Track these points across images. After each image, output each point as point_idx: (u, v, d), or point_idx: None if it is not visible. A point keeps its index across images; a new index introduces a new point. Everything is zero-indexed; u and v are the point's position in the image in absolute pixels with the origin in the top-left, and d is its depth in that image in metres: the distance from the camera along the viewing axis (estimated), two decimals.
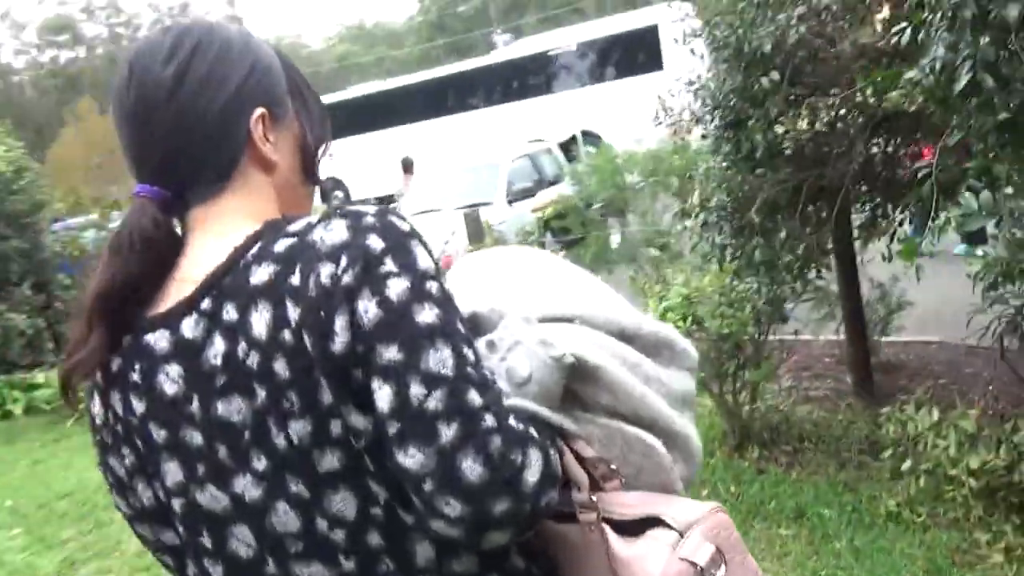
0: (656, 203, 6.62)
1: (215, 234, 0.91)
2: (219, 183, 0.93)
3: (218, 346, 0.85)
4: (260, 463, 0.86)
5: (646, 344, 0.96)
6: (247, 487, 0.87)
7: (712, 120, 3.93)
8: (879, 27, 2.61)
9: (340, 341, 0.81)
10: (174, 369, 0.88)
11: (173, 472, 0.91)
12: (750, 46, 3.46)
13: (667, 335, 0.99)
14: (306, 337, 0.81)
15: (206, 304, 0.87)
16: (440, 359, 0.80)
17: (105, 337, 0.90)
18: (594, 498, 0.89)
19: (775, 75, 3.47)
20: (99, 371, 0.93)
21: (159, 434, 0.90)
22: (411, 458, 0.79)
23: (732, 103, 3.70)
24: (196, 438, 0.88)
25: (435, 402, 0.79)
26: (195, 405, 0.87)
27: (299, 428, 0.83)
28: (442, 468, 0.78)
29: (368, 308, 0.80)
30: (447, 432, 0.78)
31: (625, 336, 0.95)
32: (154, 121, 0.90)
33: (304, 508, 0.86)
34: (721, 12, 3.74)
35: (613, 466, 0.91)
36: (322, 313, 0.81)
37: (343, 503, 0.85)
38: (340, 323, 0.80)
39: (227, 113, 0.91)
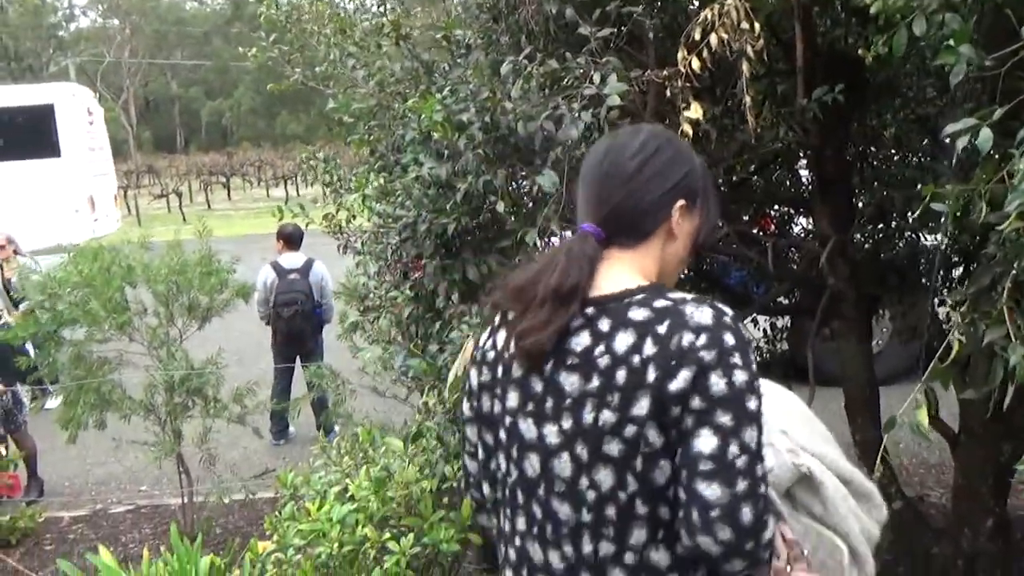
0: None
1: (617, 271, 1.30)
2: (636, 240, 1.32)
3: (583, 340, 1.25)
4: (567, 423, 1.24)
5: (856, 490, 1.35)
6: (553, 435, 1.25)
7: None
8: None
9: (677, 387, 1.17)
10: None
11: (512, 400, 1.31)
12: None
13: (870, 489, 1.37)
14: (650, 369, 1.18)
15: (590, 311, 1.26)
16: (752, 436, 1.18)
17: (558, 326, 1.25)
18: (788, 568, 1.26)
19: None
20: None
21: (526, 378, 1.30)
22: (712, 491, 1.16)
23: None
24: (544, 388, 1.27)
25: (741, 462, 1.16)
26: (550, 368, 1.27)
27: (607, 416, 1.20)
28: (730, 506, 1.15)
29: (718, 383, 1.17)
30: (741, 484, 1.16)
31: (843, 479, 1.34)
32: (612, 190, 1.32)
33: (577, 468, 1.23)
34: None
35: (805, 551, 1.28)
36: (672, 362, 1.18)
37: (608, 479, 1.22)
38: (685, 375, 1.17)
39: (663, 200, 1.32)
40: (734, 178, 3.67)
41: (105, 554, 2.87)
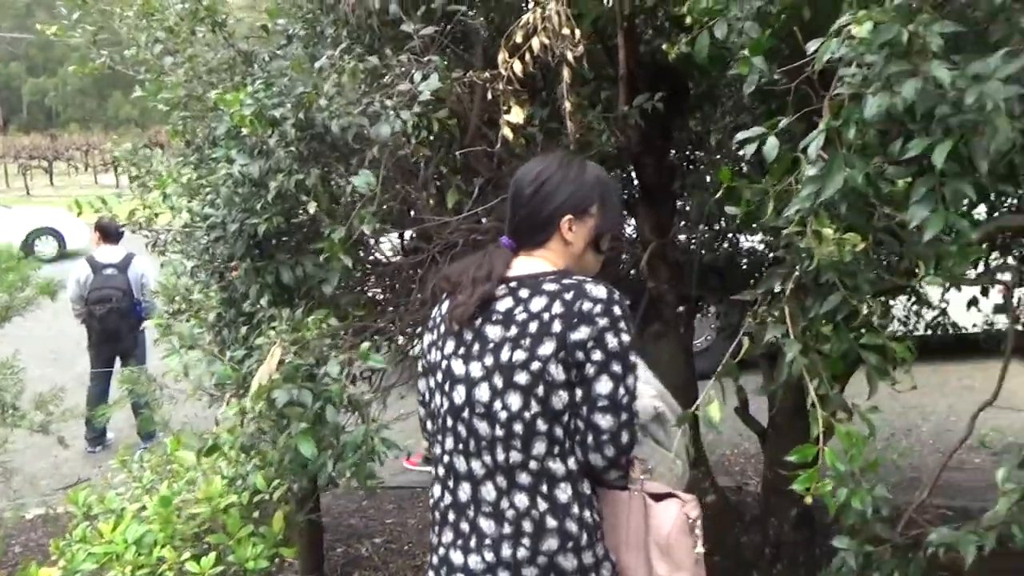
0: None
1: (533, 263, 1.72)
2: (538, 245, 1.73)
3: (507, 303, 1.65)
4: (489, 360, 1.62)
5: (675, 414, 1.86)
6: (477, 370, 1.64)
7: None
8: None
9: (578, 337, 1.57)
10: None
11: (448, 348, 1.70)
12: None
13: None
14: (556, 322, 1.58)
15: (513, 284, 1.67)
16: (632, 382, 1.62)
17: (479, 297, 1.66)
18: (642, 477, 1.69)
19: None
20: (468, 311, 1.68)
21: (460, 331, 1.69)
22: (605, 421, 1.59)
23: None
24: (473, 337, 1.67)
25: (625, 400, 1.60)
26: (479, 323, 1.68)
27: (519, 354, 1.59)
28: (616, 432, 1.59)
29: (612, 341, 1.58)
30: (624, 416, 1.60)
31: (674, 411, 1.85)
32: (516, 209, 1.76)
33: (493, 394, 1.61)
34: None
35: (650, 467, 1.73)
36: (575, 320, 1.58)
37: (517, 402, 1.59)
38: (584, 330, 1.57)
39: (551, 216, 1.72)
40: None
41: None
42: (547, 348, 1.58)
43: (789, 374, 1.75)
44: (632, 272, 3.53)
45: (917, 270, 1.69)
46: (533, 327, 1.60)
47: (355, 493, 5.00)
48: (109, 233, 5.91)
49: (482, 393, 1.62)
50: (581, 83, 3.24)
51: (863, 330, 1.83)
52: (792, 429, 3.17)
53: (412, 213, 2.78)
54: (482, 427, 1.61)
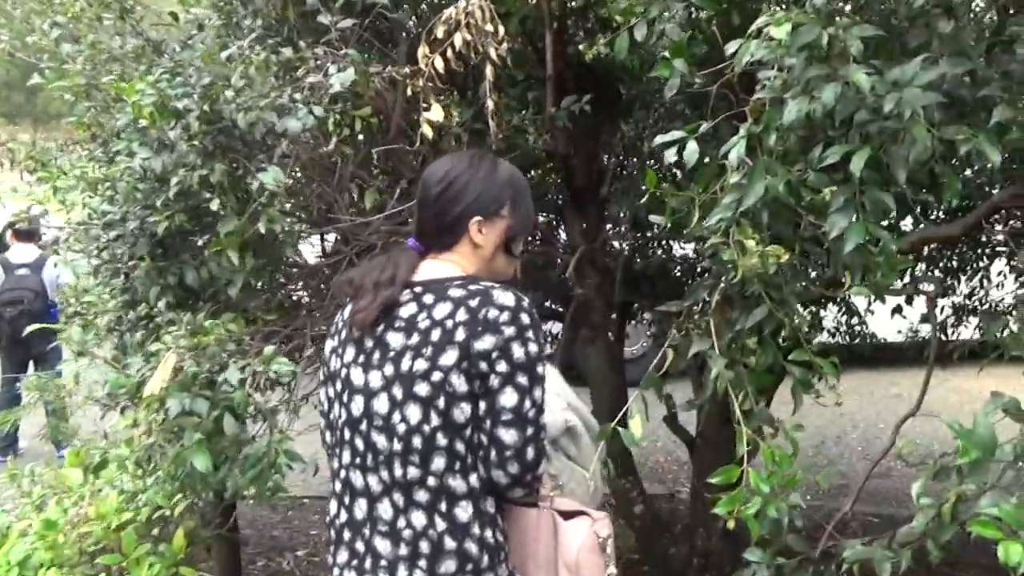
0: None
1: (440, 267, 1.62)
2: (446, 248, 1.64)
3: (410, 309, 1.55)
4: (389, 370, 1.52)
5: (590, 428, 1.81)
6: (376, 380, 1.53)
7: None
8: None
9: (482, 347, 1.48)
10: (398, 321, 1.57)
11: (348, 355, 1.60)
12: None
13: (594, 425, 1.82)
14: (460, 330, 1.48)
15: (418, 290, 1.57)
16: (539, 394, 1.52)
17: (381, 302, 1.56)
18: (552, 494, 1.64)
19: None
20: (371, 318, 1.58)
21: (361, 338, 1.59)
22: (510, 435, 1.49)
23: None
24: (374, 344, 1.57)
25: (531, 414, 1.50)
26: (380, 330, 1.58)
27: (420, 364, 1.49)
28: (521, 448, 1.50)
29: (519, 351, 1.49)
30: (530, 430, 1.50)
31: (589, 428, 1.79)
32: (422, 211, 1.66)
33: (392, 405, 1.51)
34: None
35: (561, 483, 1.67)
36: (479, 328, 1.48)
37: (416, 414, 1.49)
38: (489, 339, 1.48)
39: (458, 218, 1.62)
40: None
41: None
42: (449, 358, 1.48)
43: (714, 390, 1.69)
44: (562, 277, 3.46)
45: (843, 280, 1.65)
46: (435, 335, 1.50)
47: (279, 503, 4.85)
48: (23, 232, 5.64)
49: (381, 405, 1.52)
50: (511, 83, 3.18)
51: (790, 343, 1.78)
52: (719, 439, 3.13)
53: (331, 214, 2.66)
54: (380, 440, 1.51)
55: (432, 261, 1.64)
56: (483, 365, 1.48)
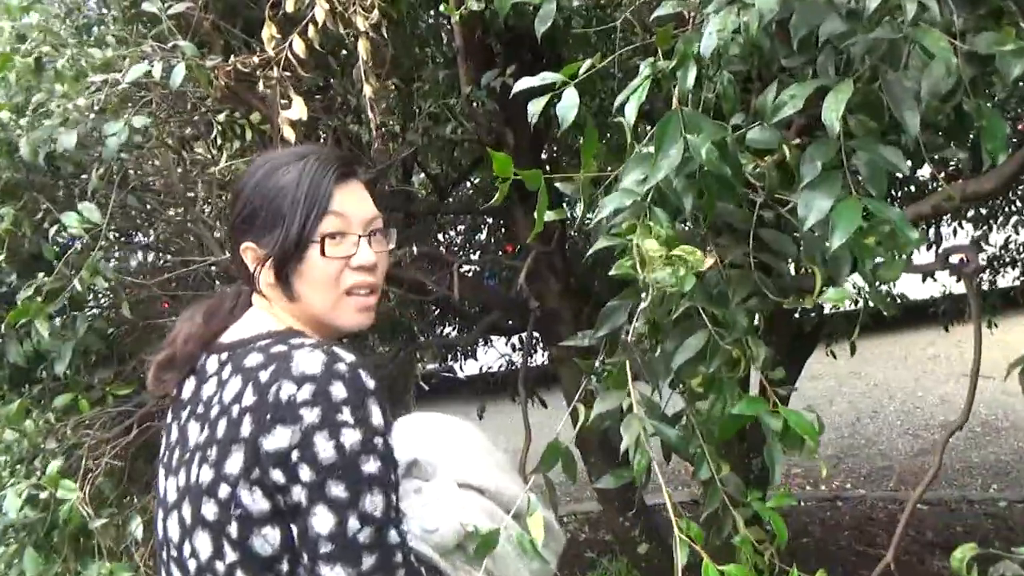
0: None
1: (258, 316, 1.18)
2: (258, 291, 1.20)
3: (211, 387, 1.12)
4: (182, 479, 1.09)
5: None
6: (172, 491, 1.12)
7: None
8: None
9: (274, 446, 1.00)
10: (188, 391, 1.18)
11: (162, 449, 1.19)
12: None
13: (550, 522, 1.21)
14: (246, 421, 1.02)
15: (224, 356, 1.14)
16: (375, 503, 1.01)
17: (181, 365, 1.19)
18: None
19: None
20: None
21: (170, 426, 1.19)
22: (335, 574, 1.00)
23: None
24: (177, 438, 1.15)
25: (364, 536, 1.00)
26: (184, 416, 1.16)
27: (206, 473, 1.05)
28: None
29: (326, 448, 0.99)
30: (368, 561, 1.00)
31: (517, 516, 1.19)
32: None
33: (183, 531, 1.09)
34: None
35: None
36: (268, 416, 1.01)
37: (206, 546, 1.05)
38: (282, 433, 0.99)
39: (232, 248, 1.20)
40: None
41: None
42: (234, 463, 1.03)
43: (636, 474, 1.13)
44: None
45: (824, 286, 1.09)
46: (221, 429, 1.05)
47: None
48: None
49: (173, 528, 1.11)
50: (414, 64, 2.63)
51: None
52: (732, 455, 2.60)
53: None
54: None
55: (256, 308, 1.20)
56: (277, 474, 1.00)
